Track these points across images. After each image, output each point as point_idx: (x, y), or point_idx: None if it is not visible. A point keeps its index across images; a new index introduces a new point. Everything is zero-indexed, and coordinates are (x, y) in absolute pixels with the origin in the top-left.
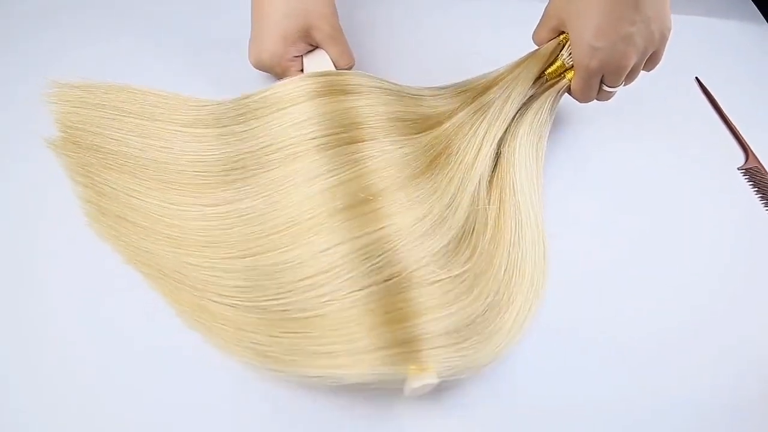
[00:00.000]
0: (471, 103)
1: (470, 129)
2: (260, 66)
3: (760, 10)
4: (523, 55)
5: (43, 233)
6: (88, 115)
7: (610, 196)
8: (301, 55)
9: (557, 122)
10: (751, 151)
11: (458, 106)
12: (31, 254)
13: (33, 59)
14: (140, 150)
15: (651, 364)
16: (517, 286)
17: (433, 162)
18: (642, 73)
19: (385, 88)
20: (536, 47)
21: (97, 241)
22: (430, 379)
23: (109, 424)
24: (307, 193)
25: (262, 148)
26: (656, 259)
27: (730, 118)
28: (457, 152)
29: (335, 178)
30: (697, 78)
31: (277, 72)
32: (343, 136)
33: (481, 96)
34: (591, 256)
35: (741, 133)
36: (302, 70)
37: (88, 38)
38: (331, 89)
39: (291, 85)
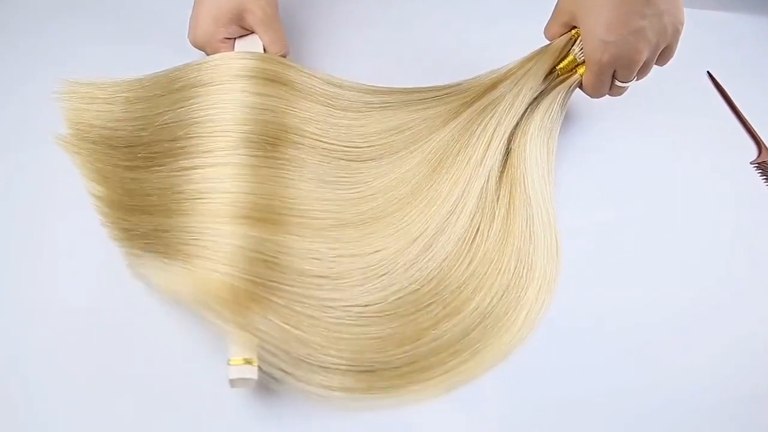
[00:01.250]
0: (480, 99)
1: (479, 125)
2: (196, 45)
3: None
4: (534, 51)
5: (53, 233)
6: (98, 110)
7: (621, 192)
8: (234, 39)
9: (568, 117)
10: (764, 145)
11: (467, 102)
12: (41, 254)
13: (41, 58)
14: (150, 136)
15: (664, 360)
16: (528, 282)
17: (436, 169)
18: (654, 67)
19: (384, 103)
20: (547, 42)
21: (108, 242)
22: (249, 373)
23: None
24: (315, 194)
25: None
26: (669, 254)
27: (743, 112)
28: (466, 149)
29: (339, 192)
30: (708, 72)
31: (208, 53)
32: (347, 150)
33: (490, 91)
34: (603, 251)
35: (753, 127)
36: None
37: (97, 37)
38: (335, 103)
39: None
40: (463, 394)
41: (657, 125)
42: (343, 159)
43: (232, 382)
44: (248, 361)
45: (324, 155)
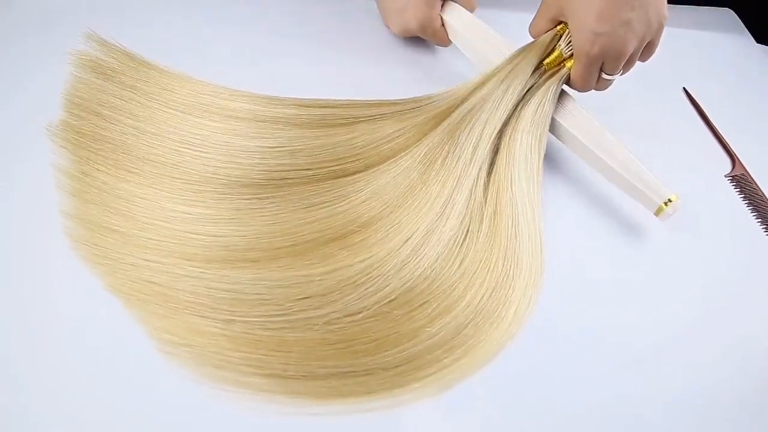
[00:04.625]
0: (468, 99)
1: (468, 124)
2: (407, 34)
3: (744, 23)
4: (519, 48)
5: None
6: (102, 89)
7: (598, 204)
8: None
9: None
10: (738, 159)
11: (455, 104)
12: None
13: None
14: (141, 141)
15: (645, 364)
16: (515, 279)
17: (426, 172)
18: (628, 76)
19: (374, 115)
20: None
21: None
22: (679, 204)
23: None
24: (304, 219)
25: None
26: (646, 262)
27: (717, 127)
28: (455, 151)
29: (327, 209)
30: (684, 88)
31: (428, 34)
32: (335, 169)
33: (478, 91)
34: (583, 263)
35: (727, 141)
36: (443, 25)
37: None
38: (325, 122)
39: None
40: (454, 399)
41: (635, 139)
42: (330, 178)
43: (668, 217)
44: (669, 201)
45: (311, 182)
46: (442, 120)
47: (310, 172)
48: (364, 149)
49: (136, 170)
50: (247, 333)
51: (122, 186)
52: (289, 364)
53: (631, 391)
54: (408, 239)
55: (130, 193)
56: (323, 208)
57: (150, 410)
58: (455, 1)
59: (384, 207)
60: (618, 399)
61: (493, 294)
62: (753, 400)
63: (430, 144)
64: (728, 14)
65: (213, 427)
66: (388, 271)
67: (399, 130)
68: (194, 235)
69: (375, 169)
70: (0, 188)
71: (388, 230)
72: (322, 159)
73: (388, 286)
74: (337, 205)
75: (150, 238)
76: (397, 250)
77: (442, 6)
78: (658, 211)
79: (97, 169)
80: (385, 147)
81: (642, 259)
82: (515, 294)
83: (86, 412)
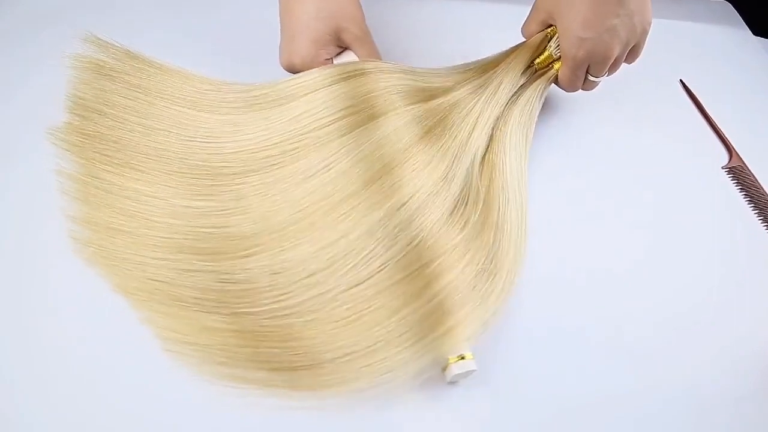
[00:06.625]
0: (467, 83)
1: (465, 107)
2: (291, 69)
3: (741, 16)
4: (511, 47)
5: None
6: (105, 89)
7: (596, 196)
8: (331, 58)
9: (544, 119)
10: (735, 151)
11: (456, 83)
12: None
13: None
14: (149, 138)
15: (643, 360)
16: (503, 257)
17: (428, 133)
18: (625, 69)
19: (391, 69)
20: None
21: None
22: (471, 366)
23: None
24: (307, 190)
25: (278, 142)
26: (641, 256)
27: (714, 119)
28: (452, 126)
29: (330, 172)
30: (681, 80)
31: None
32: (336, 126)
33: (478, 78)
34: (576, 255)
35: (724, 133)
36: None
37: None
38: (347, 76)
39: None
40: (452, 395)
41: (631, 131)
42: (323, 144)
43: (456, 376)
44: (462, 357)
45: (314, 150)
46: (439, 95)
47: (313, 135)
48: (365, 97)
49: (142, 168)
50: (254, 325)
51: (129, 185)
52: (296, 355)
53: (629, 388)
54: (413, 196)
55: (138, 191)
56: (321, 174)
57: (156, 410)
58: (356, 53)
59: (385, 164)
60: (616, 397)
61: (482, 267)
62: (752, 396)
63: (427, 113)
64: (725, 7)
65: (217, 426)
66: (390, 232)
67: (407, 85)
68: (203, 229)
69: (372, 123)
70: (5, 192)
71: (392, 186)
72: (323, 115)
73: (399, 239)
74: (333, 170)
75: (158, 236)
76: (405, 204)
77: (340, 53)
78: (445, 366)
79: (104, 170)
80: (389, 96)
81: (637, 252)
82: (501, 271)
83: (93, 412)
